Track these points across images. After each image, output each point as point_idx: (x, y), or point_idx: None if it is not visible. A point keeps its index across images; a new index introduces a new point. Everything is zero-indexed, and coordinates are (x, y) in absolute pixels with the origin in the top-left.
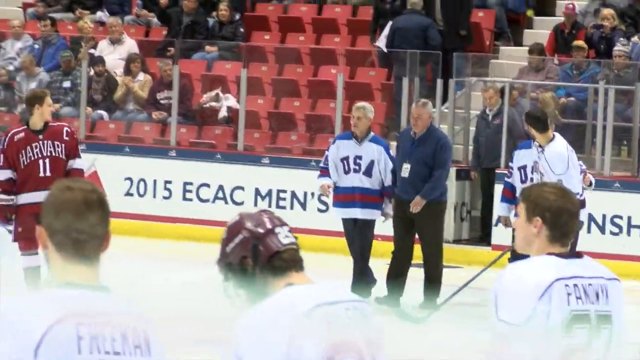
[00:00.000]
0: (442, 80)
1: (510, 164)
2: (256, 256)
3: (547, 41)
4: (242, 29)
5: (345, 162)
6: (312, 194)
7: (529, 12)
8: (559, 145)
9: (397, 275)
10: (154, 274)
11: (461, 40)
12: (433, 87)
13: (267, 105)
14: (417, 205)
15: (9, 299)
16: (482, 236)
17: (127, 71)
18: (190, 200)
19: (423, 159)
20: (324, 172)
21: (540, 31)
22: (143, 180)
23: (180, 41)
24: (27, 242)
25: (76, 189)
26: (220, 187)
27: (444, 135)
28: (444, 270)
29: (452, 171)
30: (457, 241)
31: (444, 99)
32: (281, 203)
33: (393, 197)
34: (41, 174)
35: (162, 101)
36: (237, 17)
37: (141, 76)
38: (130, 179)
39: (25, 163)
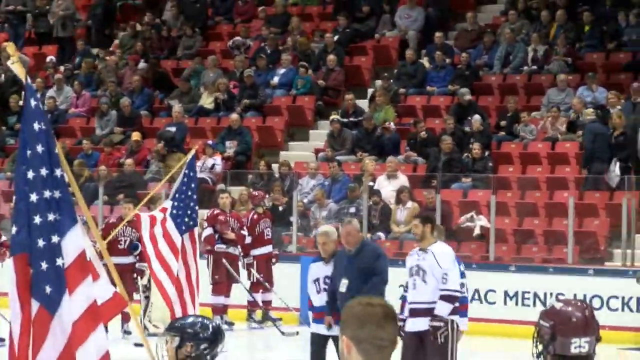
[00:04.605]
0: None
1: None
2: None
3: None
4: (490, 163)
5: (316, 283)
6: (551, 293)
7: None
8: None
9: None
10: None
11: None
12: None
13: (512, 224)
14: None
15: None
16: None
17: (398, 200)
18: None
19: (361, 272)
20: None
21: None
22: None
23: (441, 174)
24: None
25: (376, 305)
26: (476, 291)
27: (378, 246)
28: None
29: None
30: None
31: None
32: (526, 302)
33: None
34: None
35: None
36: (487, 153)
37: (409, 204)
38: None
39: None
